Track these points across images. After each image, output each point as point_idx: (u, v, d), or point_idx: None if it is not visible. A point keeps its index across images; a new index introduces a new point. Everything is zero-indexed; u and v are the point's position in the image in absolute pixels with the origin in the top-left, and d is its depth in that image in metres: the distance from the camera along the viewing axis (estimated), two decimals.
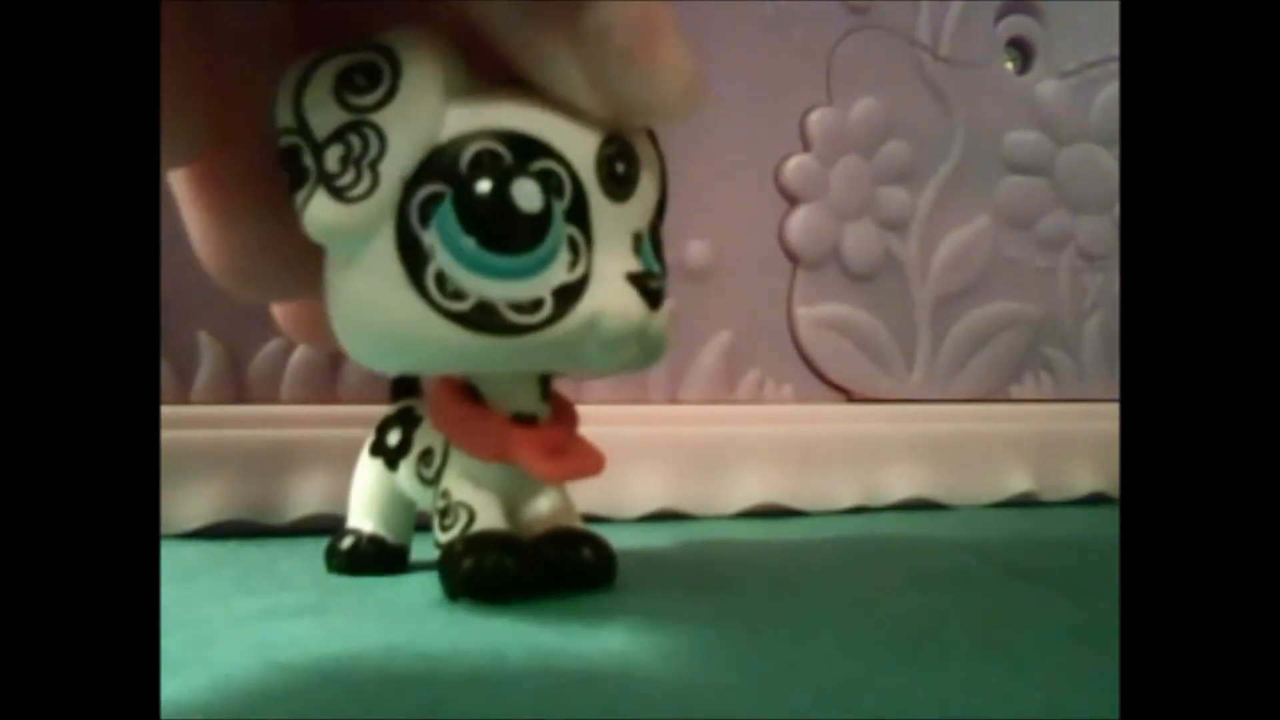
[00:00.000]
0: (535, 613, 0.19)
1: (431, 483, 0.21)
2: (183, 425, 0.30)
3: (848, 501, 0.36)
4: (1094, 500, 0.39)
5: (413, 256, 0.17)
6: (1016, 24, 0.41)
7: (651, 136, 0.19)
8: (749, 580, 0.23)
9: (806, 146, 0.38)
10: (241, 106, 0.18)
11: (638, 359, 0.18)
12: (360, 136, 0.16)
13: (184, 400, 0.32)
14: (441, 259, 0.17)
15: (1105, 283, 0.42)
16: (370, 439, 0.24)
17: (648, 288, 0.17)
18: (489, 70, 0.17)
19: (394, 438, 0.23)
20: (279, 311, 0.22)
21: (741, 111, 0.37)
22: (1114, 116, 0.42)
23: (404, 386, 0.24)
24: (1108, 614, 0.18)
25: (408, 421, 0.23)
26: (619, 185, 0.17)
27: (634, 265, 0.18)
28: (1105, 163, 0.42)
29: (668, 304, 0.19)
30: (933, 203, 0.39)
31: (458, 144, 0.17)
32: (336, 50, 0.17)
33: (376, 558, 0.23)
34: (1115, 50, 0.42)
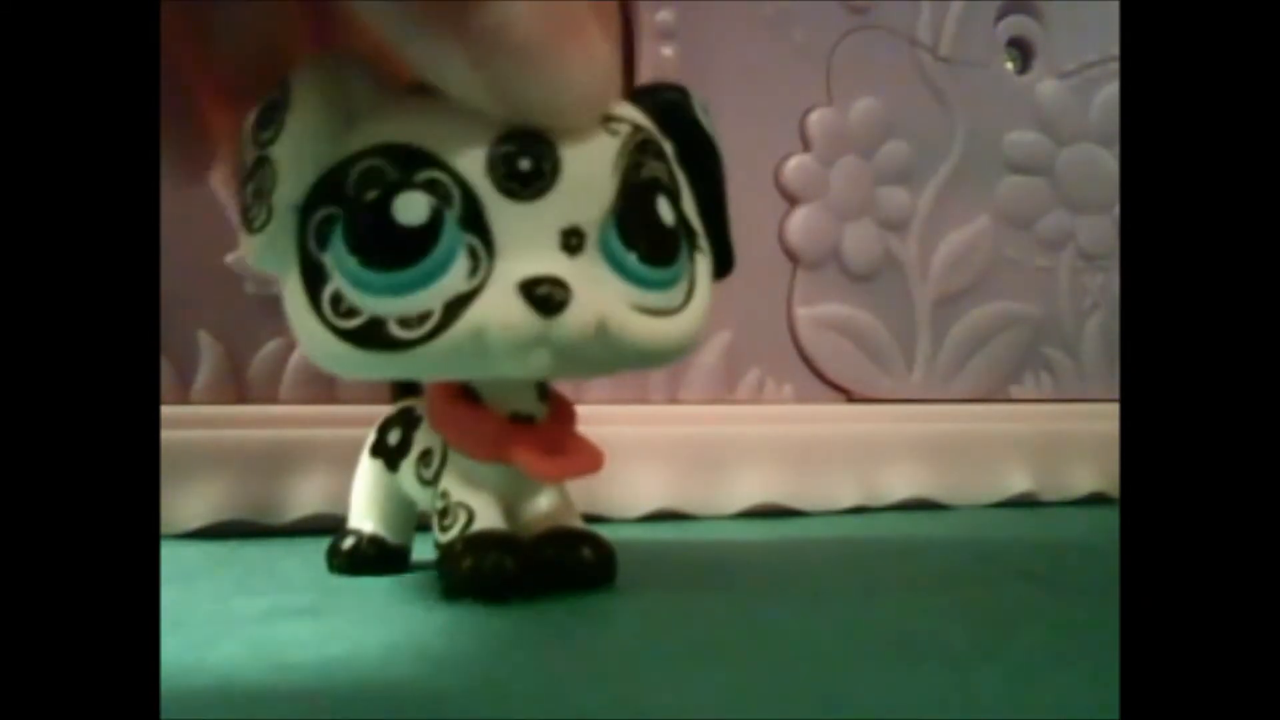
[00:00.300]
0: (535, 613, 0.19)
1: (431, 483, 0.21)
2: (183, 425, 0.30)
3: (848, 501, 0.36)
4: (1094, 500, 0.39)
5: (313, 279, 0.17)
6: (1016, 24, 0.41)
7: (673, 115, 0.19)
8: (749, 580, 0.23)
9: (806, 146, 0.38)
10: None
11: (576, 365, 0.17)
12: (261, 170, 0.17)
13: (184, 400, 0.32)
14: (337, 279, 0.17)
15: (1105, 283, 0.42)
16: (370, 439, 0.24)
17: (539, 294, 0.16)
18: (392, 83, 0.17)
19: (394, 438, 0.23)
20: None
21: (741, 111, 0.37)
22: (1114, 116, 0.42)
23: (404, 387, 0.24)
24: (1108, 614, 0.18)
25: (407, 422, 0.23)
26: (524, 184, 0.16)
27: (545, 268, 0.16)
28: (1105, 163, 0.42)
29: (637, 313, 0.17)
30: (933, 203, 0.39)
31: (345, 165, 0.17)
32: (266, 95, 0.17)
33: (377, 558, 0.23)
34: (1115, 50, 0.42)
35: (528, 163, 0.16)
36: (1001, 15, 0.41)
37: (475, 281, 0.16)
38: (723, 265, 0.20)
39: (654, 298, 0.18)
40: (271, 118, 0.17)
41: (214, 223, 0.25)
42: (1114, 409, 0.40)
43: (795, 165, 0.37)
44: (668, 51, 0.36)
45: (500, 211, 0.16)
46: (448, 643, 0.17)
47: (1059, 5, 0.41)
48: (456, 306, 0.16)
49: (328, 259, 0.17)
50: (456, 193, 0.16)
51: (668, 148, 0.19)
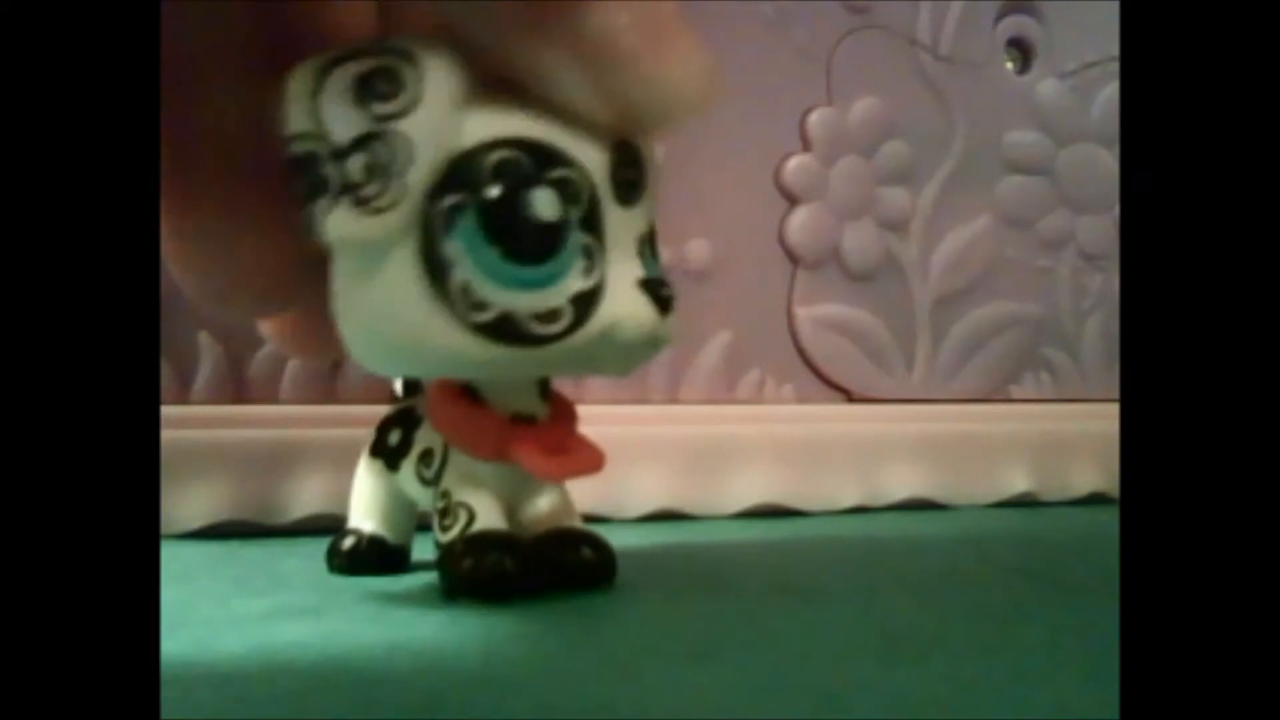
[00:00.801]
0: (535, 613, 0.19)
1: (431, 483, 0.21)
2: (183, 425, 0.30)
3: (848, 501, 0.36)
4: (1094, 500, 0.39)
5: (436, 267, 0.16)
6: (1016, 24, 0.41)
7: None
8: (749, 580, 0.23)
9: (806, 146, 0.38)
10: (201, 123, 0.17)
11: (643, 361, 0.18)
12: (386, 145, 0.16)
13: (184, 400, 0.32)
14: (465, 270, 0.16)
15: (1105, 283, 0.42)
16: (371, 439, 0.24)
17: (660, 294, 0.17)
18: (487, 76, 0.17)
19: (394, 438, 0.23)
20: (266, 325, 0.21)
21: (741, 111, 0.37)
22: (1114, 116, 0.42)
23: (405, 387, 0.24)
24: (1108, 614, 0.18)
25: (408, 422, 0.23)
26: (628, 191, 0.17)
27: (641, 271, 0.17)
28: (1105, 163, 0.42)
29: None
30: (933, 203, 0.39)
31: (479, 152, 0.16)
32: (349, 53, 0.16)
33: (377, 558, 0.23)
34: (1115, 50, 0.42)
35: (633, 172, 0.17)
36: (1001, 15, 0.41)
37: (592, 281, 0.17)
38: None
39: None
40: (399, 88, 0.16)
41: None
42: (1114, 409, 0.40)
43: (795, 165, 0.37)
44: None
45: (611, 215, 0.17)
46: (448, 643, 0.17)
47: (1059, 5, 0.41)
48: (584, 303, 0.17)
49: (454, 247, 0.16)
50: (584, 193, 0.17)
51: None
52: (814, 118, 0.38)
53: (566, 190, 0.16)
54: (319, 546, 0.24)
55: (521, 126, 0.16)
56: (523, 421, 0.20)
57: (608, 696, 0.14)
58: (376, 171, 0.16)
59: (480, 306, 0.16)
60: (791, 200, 0.38)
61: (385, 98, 0.16)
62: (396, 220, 0.16)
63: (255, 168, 0.17)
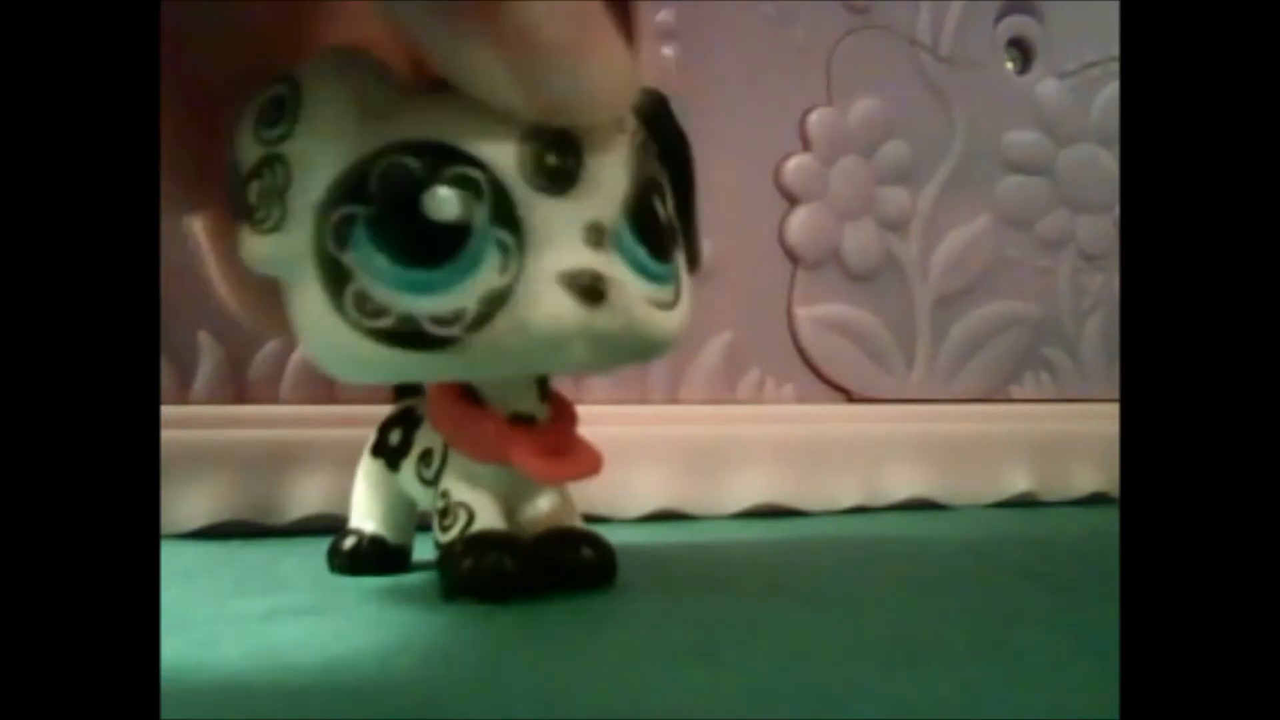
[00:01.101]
0: (535, 613, 0.19)
1: (432, 483, 0.21)
2: (183, 425, 0.30)
3: (848, 501, 0.36)
4: (1094, 500, 0.39)
5: (333, 279, 0.16)
6: (1016, 24, 0.41)
7: (658, 117, 0.19)
8: (749, 580, 0.23)
9: (806, 146, 0.38)
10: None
11: (603, 357, 0.18)
12: (271, 169, 0.16)
13: (184, 400, 0.32)
14: (361, 278, 0.16)
15: (1105, 283, 0.42)
16: (371, 439, 0.24)
17: (583, 286, 0.16)
18: (424, 79, 0.17)
19: (395, 438, 0.23)
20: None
21: (741, 111, 0.37)
22: (1114, 116, 0.42)
23: (406, 387, 0.24)
24: (1108, 614, 0.18)
25: (408, 422, 0.23)
26: (553, 179, 0.17)
27: (579, 261, 0.17)
28: (1105, 163, 0.42)
29: (680, 304, 0.18)
30: (933, 203, 0.39)
31: (367, 162, 0.16)
32: (266, 86, 0.17)
33: (378, 558, 0.23)
34: (1115, 50, 0.42)
35: (555, 159, 0.17)
36: (1001, 15, 0.41)
37: (508, 277, 0.16)
38: (692, 263, 0.21)
39: (659, 292, 0.18)
40: (281, 114, 0.16)
41: None
42: (1114, 409, 0.40)
43: (795, 165, 0.37)
44: (668, 51, 0.36)
45: (530, 206, 0.16)
46: (448, 643, 0.17)
47: (1059, 5, 0.41)
48: (494, 301, 0.16)
49: (350, 258, 0.16)
50: (488, 188, 0.16)
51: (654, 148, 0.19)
52: (814, 118, 0.38)
53: (466, 186, 0.16)
54: (319, 546, 0.24)
55: (418, 129, 0.16)
56: (522, 422, 0.20)
57: (608, 696, 0.14)
58: (266, 194, 0.16)
59: (378, 313, 0.16)
60: (791, 200, 0.38)
61: (271, 124, 0.16)
62: (289, 239, 0.16)
63: None
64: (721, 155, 0.37)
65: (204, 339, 0.32)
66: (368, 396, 0.32)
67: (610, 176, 0.17)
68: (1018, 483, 0.38)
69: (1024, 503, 0.38)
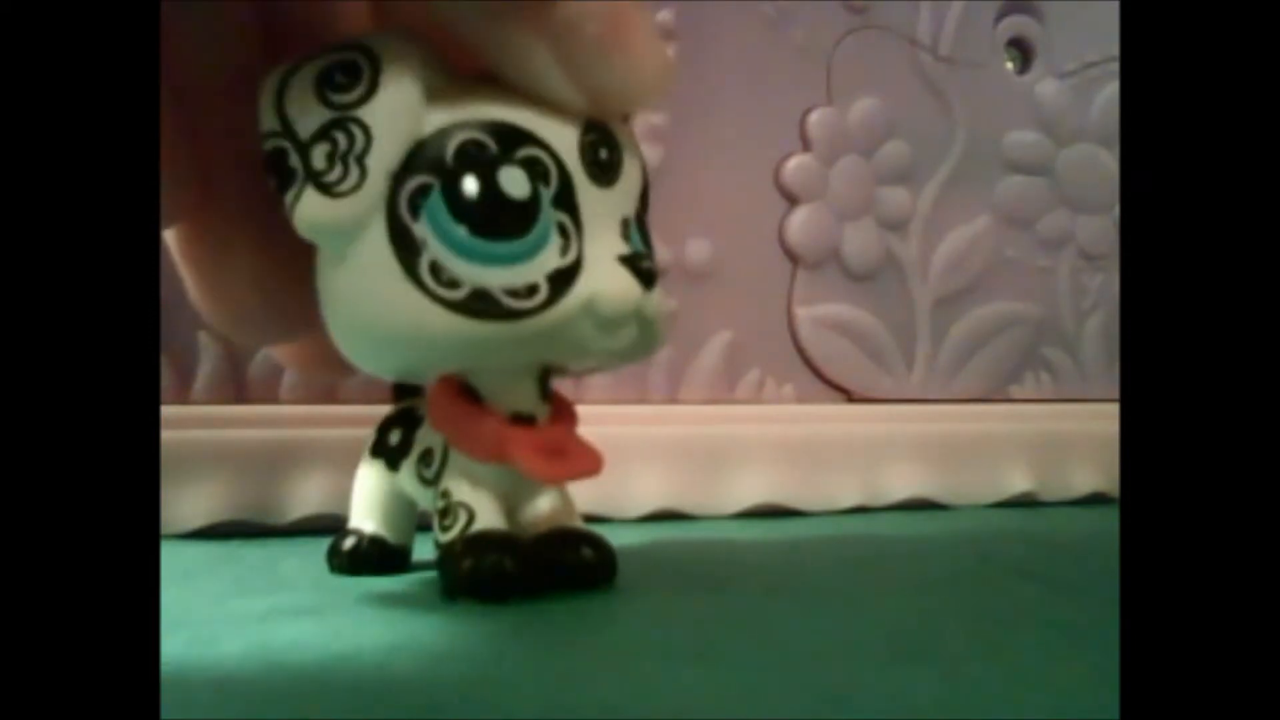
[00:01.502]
0: (535, 613, 0.19)
1: (432, 483, 0.21)
2: (183, 425, 0.30)
3: (848, 501, 0.36)
4: (1094, 500, 0.39)
5: (406, 248, 0.17)
6: (1016, 24, 0.41)
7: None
8: (749, 580, 0.23)
9: (806, 146, 0.38)
10: (221, 147, 0.18)
11: (636, 344, 0.18)
12: (345, 132, 0.16)
13: (184, 400, 0.32)
14: (434, 249, 0.17)
15: (1105, 283, 0.42)
16: (371, 440, 0.24)
17: (640, 268, 0.18)
18: (463, 69, 0.18)
19: (395, 438, 0.23)
20: (280, 352, 0.22)
21: (741, 111, 0.37)
22: (1114, 116, 0.42)
23: (406, 387, 0.24)
24: (1108, 614, 0.18)
25: (408, 422, 0.23)
26: (603, 171, 0.18)
27: (624, 248, 0.18)
28: (1105, 163, 0.42)
29: (667, 301, 0.19)
30: (933, 203, 0.39)
31: (442, 135, 0.17)
32: (314, 53, 0.17)
33: (378, 558, 0.23)
34: (1115, 50, 0.42)
35: (606, 152, 0.18)
36: (1001, 15, 0.41)
37: (570, 258, 0.17)
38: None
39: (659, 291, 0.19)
40: (356, 79, 0.17)
41: None
42: (1114, 409, 0.40)
43: (795, 165, 0.37)
44: (668, 51, 0.36)
45: (587, 194, 0.17)
46: (448, 643, 0.17)
47: (1059, 5, 0.41)
48: (562, 279, 0.17)
49: (423, 228, 0.17)
50: (554, 172, 0.17)
51: None
52: (814, 118, 0.38)
53: (535, 169, 0.17)
54: (319, 546, 0.24)
55: (487, 110, 0.17)
56: (522, 422, 0.20)
57: (607, 696, 0.14)
58: (338, 157, 0.16)
59: (453, 284, 0.17)
60: (791, 200, 0.38)
61: (343, 88, 0.17)
62: (361, 203, 0.17)
63: (266, 186, 0.17)
64: (721, 155, 0.37)
65: (204, 339, 0.32)
66: (368, 396, 0.32)
67: (633, 172, 0.19)
68: (1018, 483, 0.38)
69: (1024, 503, 0.38)
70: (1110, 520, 0.34)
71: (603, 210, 0.18)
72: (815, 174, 0.38)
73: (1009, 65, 0.41)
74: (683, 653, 0.16)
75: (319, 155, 0.17)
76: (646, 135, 0.35)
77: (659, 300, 0.18)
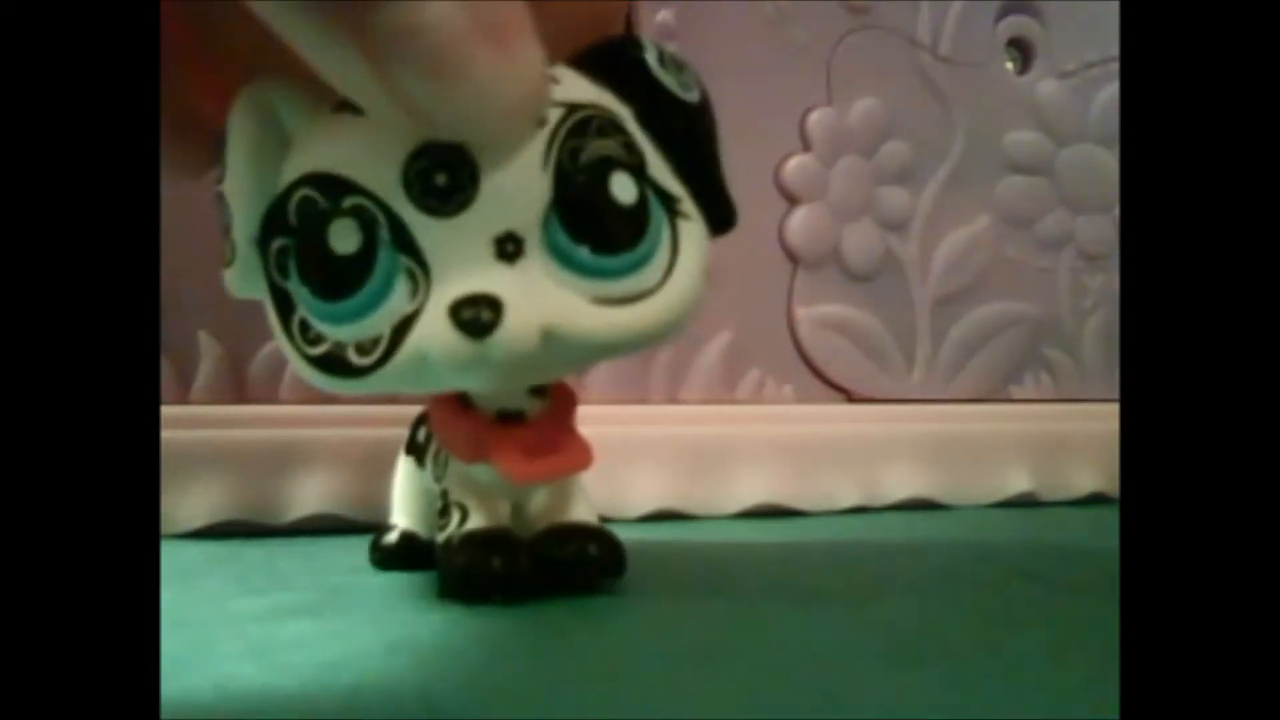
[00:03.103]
0: (535, 613, 0.19)
1: (440, 480, 0.21)
2: (183, 425, 0.30)
3: (848, 501, 0.36)
4: (1094, 500, 0.39)
5: (282, 307, 0.17)
6: (1016, 24, 0.41)
7: (627, 79, 0.17)
8: (749, 580, 0.23)
9: (806, 146, 0.38)
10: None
11: (524, 373, 0.17)
12: (220, 208, 0.17)
13: (184, 400, 0.32)
14: (302, 307, 0.17)
15: (1105, 283, 0.42)
16: (406, 437, 0.24)
17: (465, 320, 0.16)
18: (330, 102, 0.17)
19: (422, 435, 0.24)
20: None
21: (741, 111, 0.37)
22: (1114, 116, 0.42)
23: None
24: (1108, 614, 0.18)
25: None
26: (443, 199, 0.16)
27: (478, 284, 0.16)
28: (1105, 163, 0.42)
29: (594, 305, 0.17)
30: (933, 203, 0.39)
31: (284, 196, 0.16)
32: None
33: (408, 554, 0.24)
34: (1115, 50, 0.42)
35: (444, 177, 0.16)
36: (1001, 15, 0.41)
37: (416, 302, 0.16)
38: (722, 221, 0.19)
39: (620, 285, 0.16)
40: (219, 155, 0.17)
41: (214, 222, 0.25)
42: (1114, 409, 0.40)
43: (795, 165, 0.37)
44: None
45: (425, 230, 0.16)
46: (447, 643, 0.17)
47: (1059, 5, 0.41)
48: (402, 330, 0.16)
49: (291, 287, 0.17)
50: (381, 217, 0.16)
51: (626, 112, 0.17)
52: (814, 118, 0.38)
53: (363, 216, 0.16)
54: (319, 546, 0.24)
55: (317, 159, 0.16)
56: (509, 419, 0.20)
57: (607, 697, 0.14)
58: (222, 230, 0.17)
59: (315, 341, 0.17)
60: (791, 200, 0.38)
61: (217, 165, 0.17)
62: (240, 271, 0.17)
63: None
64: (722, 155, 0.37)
65: (204, 339, 0.32)
66: (368, 396, 0.32)
67: (519, 181, 0.16)
68: (1018, 483, 0.38)
69: (1024, 503, 0.38)
70: (1110, 520, 0.34)
71: (455, 242, 0.16)
72: (815, 174, 0.38)
73: (1009, 65, 0.41)
74: (683, 652, 0.16)
75: (221, 230, 0.17)
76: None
77: (552, 318, 0.16)
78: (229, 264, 0.17)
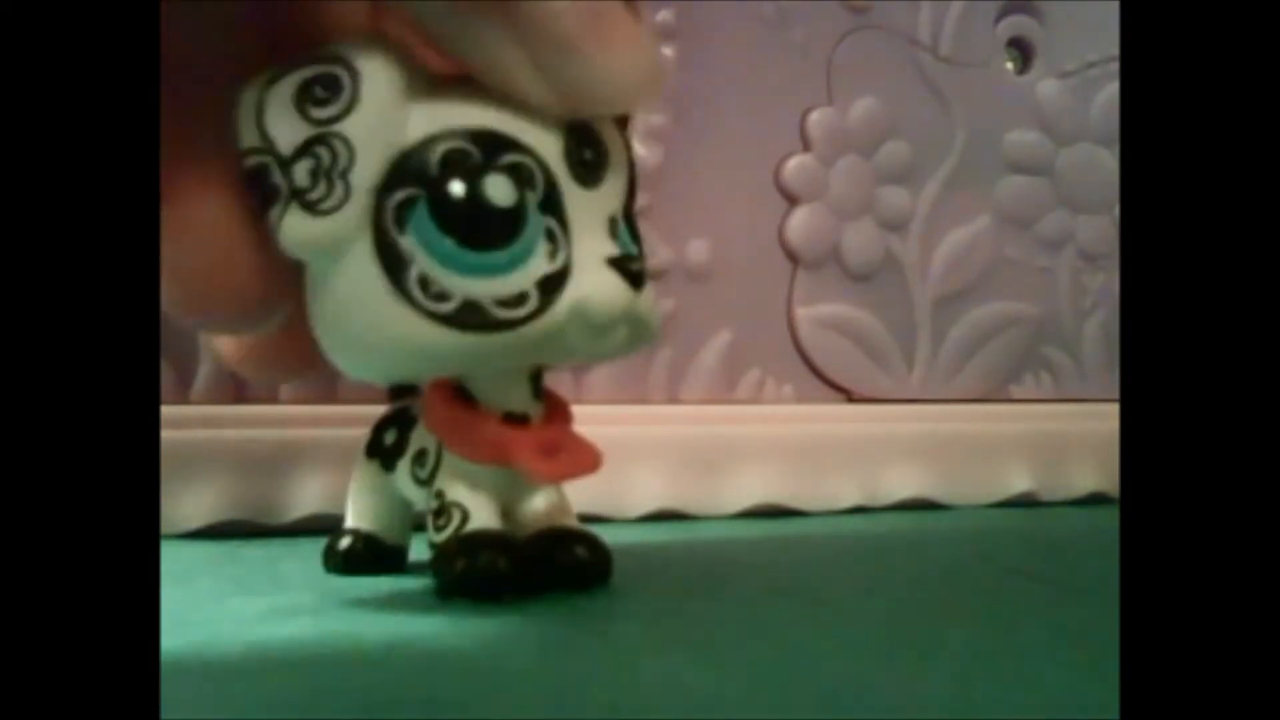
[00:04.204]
0: (535, 613, 0.19)
1: (426, 483, 0.21)
2: (183, 425, 0.30)
3: (848, 501, 0.36)
4: (1094, 500, 0.39)
5: (393, 262, 0.17)
6: (1016, 24, 0.41)
7: (620, 121, 0.19)
8: (749, 580, 0.23)
9: (806, 146, 0.38)
10: (197, 121, 0.17)
11: (628, 342, 0.18)
12: (328, 148, 0.16)
13: (184, 400, 0.32)
14: (422, 262, 0.17)
15: (1105, 283, 0.42)
16: (366, 440, 0.24)
17: (629, 270, 0.17)
18: (445, 71, 0.17)
19: (390, 438, 0.23)
20: (227, 347, 0.20)
21: (741, 111, 0.37)
22: (1114, 116, 0.42)
23: (401, 387, 0.24)
24: (1108, 614, 0.18)
25: (403, 422, 0.23)
26: (588, 172, 0.18)
27: (612, 249, 0.18)
28: (1105, 163, 0.42)
29: (653, 296, 0.19)
30: (933, 203, 0.39)
31: (425, 146, 0.17)
32: (291, 65, 0.17)
33: (373, 558, 0.23)
34: (1115, 50, 0.42)
35: (591, 153, 0.18)
36: (1001, 15, 0.41)
37: (559, 263, 0.17)
38: None
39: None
40: (336, 93, 0.16)
41: None
42: (1114, 409, 0.40)
43: (795, 165, 0.37)
44: (668, 51, 0.36)
45: (573, 197, 0.17)
46: (447, 643, 0.17)
47: (1059, 5, 0.41)
48: (551, 285, 0.17)
49: (409, 241, 0.17)
50: (539, 177, 0.17)
51: None
52: (814, 118, 0.38)
53: (520, 175, 0.17)
54: (319, 546, 0.24)
55: (469, 117, 0.17)
56: (516, 421, 0.20)
57: (607, 696, 0.14)
58: (320, 174, 0.16)
59: (442, 297, 0.17)
60: (791, 200, 0.38)
61: (324, 103, 0.16)
62: (346, 220, 0.16)
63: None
64: (721, 155, 0.37)
65: (204, 339, 0.32)
66: (368, 396, 0.32)
67: (619, 170, 0.18)
68: (1018, 483, 0.38)
69: (1024, 503, 0.38)
70: (1110, 520, 0.34)
71: (589, 212, 0.18)
72: (815, 174, 0.38)
73: (1009, 65, 0.41)
74: (682, 653, 0.16)
75: (301, 172, 0.16)
76: (647, 135, 0.35)
77: (650, 298, 0.18)
78: (329, 211, 0.16)
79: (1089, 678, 0.15)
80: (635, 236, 0.19)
